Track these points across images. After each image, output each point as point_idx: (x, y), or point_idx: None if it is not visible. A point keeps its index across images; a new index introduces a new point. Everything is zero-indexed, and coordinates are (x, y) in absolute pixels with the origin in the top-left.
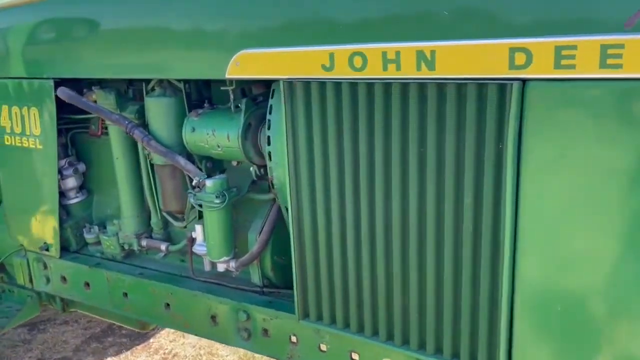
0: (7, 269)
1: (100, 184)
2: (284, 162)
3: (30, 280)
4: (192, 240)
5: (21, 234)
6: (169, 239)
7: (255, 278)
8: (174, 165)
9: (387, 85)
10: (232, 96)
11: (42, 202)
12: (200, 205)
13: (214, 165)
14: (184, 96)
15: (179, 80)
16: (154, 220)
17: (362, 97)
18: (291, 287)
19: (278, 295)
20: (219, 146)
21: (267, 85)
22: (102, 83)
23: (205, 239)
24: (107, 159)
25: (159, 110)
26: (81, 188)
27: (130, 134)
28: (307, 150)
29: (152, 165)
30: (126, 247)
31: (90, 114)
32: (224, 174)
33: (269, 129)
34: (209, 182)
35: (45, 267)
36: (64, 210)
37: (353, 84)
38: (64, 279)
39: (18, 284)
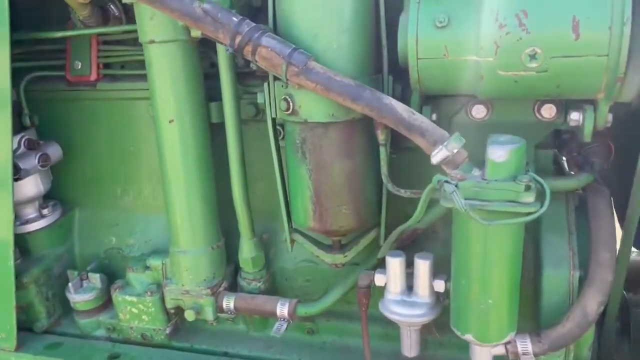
0: None
1: (93, 186)
2: None
3: None
4: (368, 291)
5: None
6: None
7: None
8: (350, 127)
9: None
10: None
11: None
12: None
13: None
14: None
15: None
16: (248, 253)
17: None
18: None
19: None
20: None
21: None
22: None
23: (459, 291)
24: (110, 130)
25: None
26: (45, 197)
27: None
28: None
29: (281, 131)
30: (198, 314)
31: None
32: (516, 136)
33: None
34: (500, 153)
35: None
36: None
37: None
38: None
39: None
